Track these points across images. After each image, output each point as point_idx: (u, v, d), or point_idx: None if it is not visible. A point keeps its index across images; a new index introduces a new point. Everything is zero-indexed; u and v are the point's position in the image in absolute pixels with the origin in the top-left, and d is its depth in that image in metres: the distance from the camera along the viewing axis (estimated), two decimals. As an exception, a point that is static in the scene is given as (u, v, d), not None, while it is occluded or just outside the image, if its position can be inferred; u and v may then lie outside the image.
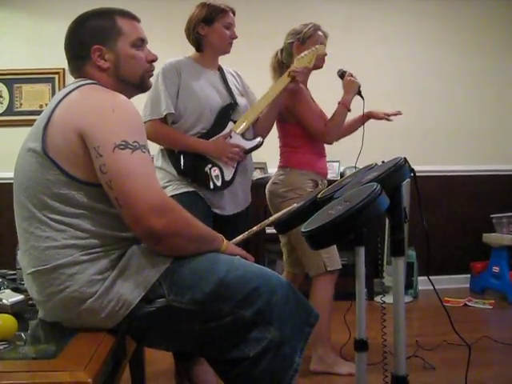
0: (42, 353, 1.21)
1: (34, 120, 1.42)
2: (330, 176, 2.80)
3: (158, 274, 1.33)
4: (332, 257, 2.46)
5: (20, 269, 1.75)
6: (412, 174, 1.32)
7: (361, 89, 2.51)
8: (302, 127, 2.52)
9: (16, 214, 1.39)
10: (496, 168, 4.40)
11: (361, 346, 1.63)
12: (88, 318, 1.32)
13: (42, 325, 1.39)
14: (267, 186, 2.62)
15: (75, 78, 1.46)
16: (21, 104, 4.20)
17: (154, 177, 1.31)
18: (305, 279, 2.70)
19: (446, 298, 3.71)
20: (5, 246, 2.79)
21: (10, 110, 4.19)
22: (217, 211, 2.24)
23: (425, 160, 4.06)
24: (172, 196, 2.17)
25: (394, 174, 1.26)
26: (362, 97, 2.52)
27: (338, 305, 2.52)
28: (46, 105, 1.42)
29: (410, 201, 3.33)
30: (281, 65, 2.59)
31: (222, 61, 2.40)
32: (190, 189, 2.22)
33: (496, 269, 3.97)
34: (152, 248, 1.34)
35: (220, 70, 2.37)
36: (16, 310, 1.46)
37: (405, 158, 1.30)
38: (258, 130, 2.34)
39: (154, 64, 1.54)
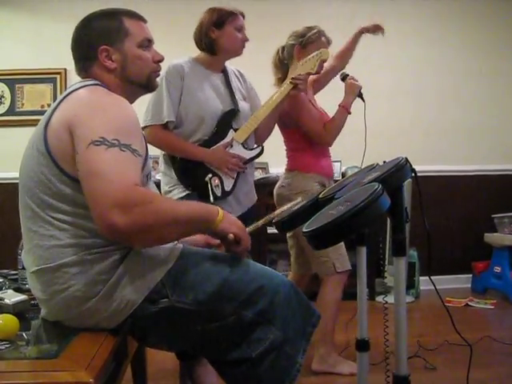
0: (44, 353, 1.21)
1: (36, 120, 1.42)
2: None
3: (162, 275, 1.33)
4: (342, 258, 2.48)
5: (22, 269, 1.75)
6: (413, 174, 1.32)
7: (362, 91, 2.53)
8: (303, 131, 2.55)
9: (20, 213, 1.39)
10: (498, 168, 4.39)
11: (362, 345, 1.63)
12: (90, 318, 1.32)
13: (44, 324, 1.40)
14: (275, 189, 2.66)
15: (82, 79, 1.46)
16: (22, 104, 4.20)
17: (126, 174, 1.21)
18: (311, 280, 2.73)
19: (447, 298, 3.71)
20: (6, 247, 2.79)
21: (11, 110, 4.18)
22: None
23: (426, 160, 4.06)
24: (178, 199, 2.17)
25: (396, 174, 1.26)
26: (363, 99, 2.54)
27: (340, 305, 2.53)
28: (48, 105, 1.43)
29: (412, 201, 3.33)
30: (282, 62, 2.59)
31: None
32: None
33: (498, 269, 3.97)
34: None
35: (224, 71, 2.34)
36: (18, 310, 1.46)
37: (406, 158, 1.30)
38: (258, 135, 2.35)
39: (161, 64, 1.54)
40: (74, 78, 1.51)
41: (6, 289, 1.72)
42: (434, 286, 1.44)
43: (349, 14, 4.19)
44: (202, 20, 2.26)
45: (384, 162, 1.49)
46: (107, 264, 1.31)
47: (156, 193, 1.33)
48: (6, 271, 2.03)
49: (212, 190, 2.19)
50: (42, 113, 1.41)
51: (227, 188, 2.23)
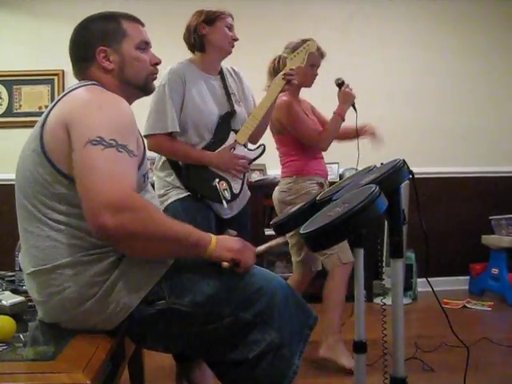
0: (41, 354, 1.20)
1: (34, 121, 1.42)
2: (329, 178, 2.85)
3: (159, 277, 1.33)
4: (344, 250, 2.53)
5: (19, 270, 1.75)
6: (410, 176, 1.32)
7: (355, 101, 2.60)
8: (297, 137, 2.63)
9: (17, 214, 1.38)
10: (495, 170, 4.41)
11: (360, 347, 1.63)
12: (87, 320, 1.32)
13: (41, 326, 1.39)
14: (274, 195, 2.73)
15: (79, 81, 1.46)
16: (20, 105, 4.20)
17: (122, 175, 1.21)
18: (313, 280, 2.75)
19: (444, 300, 3.71)
20: (4, 248, 2.79)
21: (9, 112, 4.19)
22: (221, 215, 2.26)
23: (423, 162, 4.07)
24: (174, 201, 2.18)
25: (393, 175, 1.27)
26: (355, 109, 2.61)
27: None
28: (46, 106, 1.43)
29: (409, 202, 3.32)
30: (276, 72, 2.61)
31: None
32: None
33: (495, 271, 3.97)
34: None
35: (221, 73, 2.33)
36: (15, 312, 1.46)
37: (403, 160, 1.30)
38: (254, 134, 2.35)
39: (158, 67, 1.54)
40: (71, 80, 1.51)
41: (4, 290, 1.72)
42: (432, 287, 1.44)
43: (347, 16, 4.20)
44: (189, 22, 2.28)
45: (381, 163, 1.49)
46: (103, 266, 1.30)
47: (151, 203, 1.32)
48: (3, 273, 2.03)
49: (222, 194, 2.20)
50: (39, 114, 1.40)
51: (235, 190, 2.24)
